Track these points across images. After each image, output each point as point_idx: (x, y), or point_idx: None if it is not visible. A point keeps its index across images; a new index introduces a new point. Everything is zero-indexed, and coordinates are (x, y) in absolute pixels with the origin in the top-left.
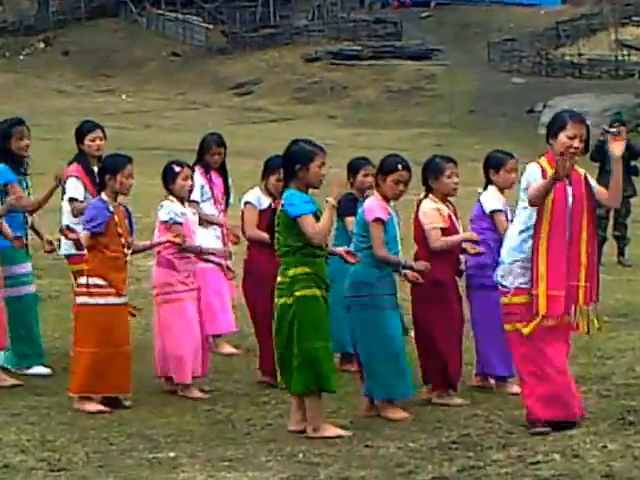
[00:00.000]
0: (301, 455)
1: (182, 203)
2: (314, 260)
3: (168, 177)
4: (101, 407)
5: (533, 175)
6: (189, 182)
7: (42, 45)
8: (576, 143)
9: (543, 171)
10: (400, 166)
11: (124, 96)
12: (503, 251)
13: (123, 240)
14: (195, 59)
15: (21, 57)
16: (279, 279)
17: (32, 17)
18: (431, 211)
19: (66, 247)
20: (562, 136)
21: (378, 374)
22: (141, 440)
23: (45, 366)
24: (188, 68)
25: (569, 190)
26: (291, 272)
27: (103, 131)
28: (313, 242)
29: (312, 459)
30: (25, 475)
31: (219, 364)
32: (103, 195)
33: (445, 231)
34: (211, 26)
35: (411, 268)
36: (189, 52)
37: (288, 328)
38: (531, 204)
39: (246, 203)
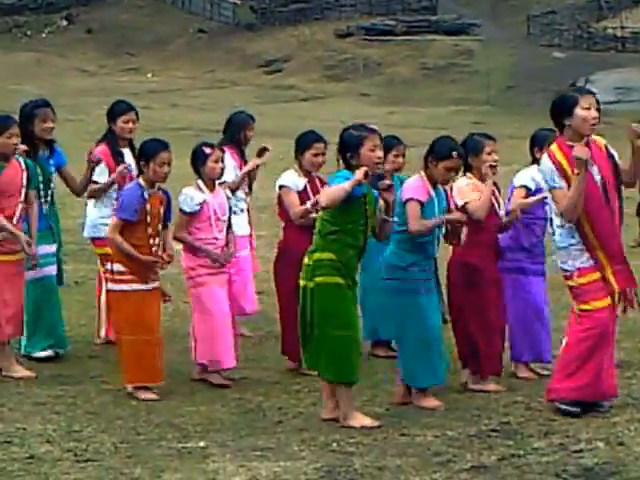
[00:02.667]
0: (335, 444)
1: (212, 186)
2: (343, 249)
3: (198, 159)
4: (152, 395)
5: (549, 177)
6: (220, 165)
7: (64, 23)
8: (593, 113)
9: (556, 164)
10: (455, 153)
11: (149, 75)
12: (557, 237)
13: (150, 230)
14: (222, 36)
15: (43, 35)
16: (305, 260)
17: None
18: (465, 187)
19: (90, 230)
20: (578, 110)
21: (411, 360)
22: (170, 429)
23: (56, 350)
24: (215, 45)
25: (594, 169)
26: (316, 255)
27: (137, 114)
28: (319, 200)
29: (346, 448)
30: (51, 466)
31: (249, 351)
32: (140, 180)
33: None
34: (239, 1)
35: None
36: (216, 29)
37: (309, 313)
38: (569, 218)
39: (281, 187)
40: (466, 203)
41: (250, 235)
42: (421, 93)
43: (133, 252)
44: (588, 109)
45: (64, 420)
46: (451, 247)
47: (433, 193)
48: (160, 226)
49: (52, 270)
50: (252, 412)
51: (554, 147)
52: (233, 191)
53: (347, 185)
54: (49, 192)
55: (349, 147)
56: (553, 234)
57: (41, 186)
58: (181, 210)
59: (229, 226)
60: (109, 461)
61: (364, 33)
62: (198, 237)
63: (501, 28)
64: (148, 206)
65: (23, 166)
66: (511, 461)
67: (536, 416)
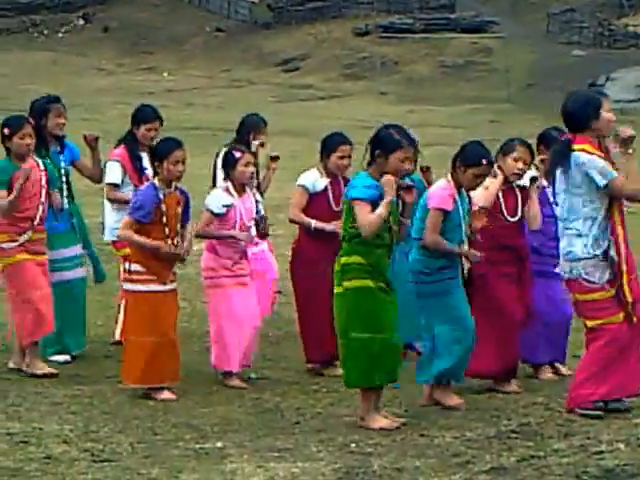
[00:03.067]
0: (353, 445)
1: (242, 190)
2: (370, 250)
3: (228, 163)
4: (170, 395)
5: (604, 170)
6: (250, 168)
7: (81, 22)
8: (612, 115)
9: (598, 157)
10: (485, 161)
11: (166, 74)
12: (576, 248)
13: (167, 230)
14: (239, 34)
15: (60, 34)
16: (335, 266)
17: None
18: (479, 190)
19: (109, 234)
20: (604, 112)
21: (444, 357)
22: (187, 430)
23: (73, 353)
24: (232, 44)
25: None
26: (343, 260)
27: (161, 122)
28: (362, 233)
29: (365, 449)
30: (68, 466)
31: (266, 351)
32: (155, 180)
33: (490, 211)
34: (256, 0)
35: (466, 257)
36: (233, 27)
37: (339, 319)
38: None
39: (298, 185)
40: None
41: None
42: (439, 91)
43: (147, 241)
44: (609, 111)
45: (81, 420)
46: None
47: (458, 198)
48: (178, 226)
49: (78, 273)
50: (270, 412)
51: (587, 147)
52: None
53: (383, 212)
54: (65, 188)
55: (382, 147)
56: (569, 244)
57: (61, 185)
58: (208, 209)
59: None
60: (126, 461)
61: (382, 31)
62: (227, 240)
63: (520, 26)
64: (164, 207)
65: (42, 167)
66: (531, 462)
67: (556, 417)
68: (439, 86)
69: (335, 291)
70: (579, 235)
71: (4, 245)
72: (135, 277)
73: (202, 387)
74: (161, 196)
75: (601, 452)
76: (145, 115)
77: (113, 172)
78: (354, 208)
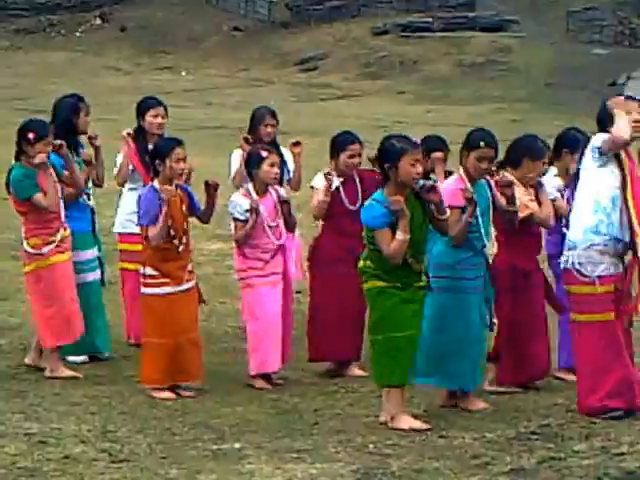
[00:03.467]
0: (372, 446)
1: (264, 190)
2: (380, 256)
3: (252, 162)
4: (168, 394)
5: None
6: (275, 169)
7: (98, 21)
8: (635, 116)
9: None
10: (483, 143)
11: (184, 73)
12: (575, 234)
13: (172, 232)
14: (258, 34)
15: (77, 34)
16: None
17: None
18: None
19: (119, 225)
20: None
21: (448, 361)
22: (205, 430)
23: (95, 354)
24: (250, 43)
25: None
26: (360, 264)
27: (166, 109)
28: (390, 261)
29: (384, 450)
30: (86, 466)
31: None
32: (155, 183)
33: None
34: None
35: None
36: (251, 26)
37: (370, 316)
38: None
39: (311, 187)
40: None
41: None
42: (459, 91)
43: (162, 221)
44: (629, 113)
45: (99, 420)
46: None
47: (470, 188)
48: (185, 225)
49: (95, 275)
50: (288, 413)
51: None
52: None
53: (403, 236)
54: (89, 187)
55: (389, 158)
56: (568, 228)
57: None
58: (234, 218)
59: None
60: (144, 462)
61: (401, 30)
62: (251, 242)
63: (540, 24)
64: (165, 208)
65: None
66: (551, 464)
67: (577, 418)
68: (458, 85)
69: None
70: (580, 221)
71: (43, 249)
72: (150, 281)
73: (221, 387)
74: (163, 197)
75: (622, 454)
76: (147, 103)
77: (119, 162)
78: (376, 237)
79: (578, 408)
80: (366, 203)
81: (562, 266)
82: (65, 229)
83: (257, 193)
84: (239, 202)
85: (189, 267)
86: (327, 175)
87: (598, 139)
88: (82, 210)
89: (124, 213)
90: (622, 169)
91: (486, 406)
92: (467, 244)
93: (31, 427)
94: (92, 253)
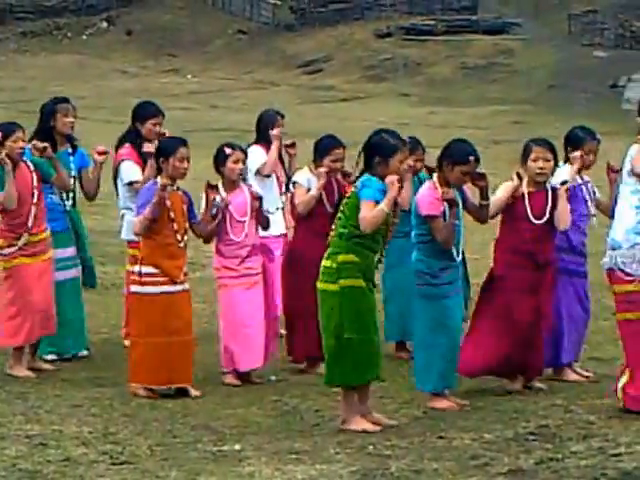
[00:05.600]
0: (371, 447)
1: (232, 187)
2: (365, 252)
3: (219, 160)
4: (149, 393)
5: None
6: (239, 165)
7: (105, 25)
8: None
9: None
10: (472, 158)
11: (189, 76)
12: (617, 234)
13: (176, 226)
14: (262, 36)
15: (84, 37)
16: (326, 263)
17: None
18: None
19: (127, 232)
20: None
21: (427, 363)
22: (206, 432)
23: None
24: (255, 46)
25: None
26: (340, 258)
27: (163, 116)
28: (360, 227)
29: (383, 451)
30: (86, 468)
31: (285, 353)
32: (159, 179)
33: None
34: (279, 2)
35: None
36: (256, 29)
37: (337, 316)
38: None
39: (294, 183)
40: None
41: (285, 235)
42: (461, 93)
43: (151, 209)
44: None
45: (100, 422)
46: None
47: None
48: (186, 224)
49: (69, 274)
50: (288, 414)
51: None
52: (267, 176)
53: (385, 206)
54: (70, 191)
55: (380, 152)
56: (609, 234)
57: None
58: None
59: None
60: (145, 464)
61: (404, 33)
62: (220, 238)
63: (542, 27)
64: (169, 202)
65: (32, 167)
66: (549, 465)
67: (575, 419)
68: (461, 87)
69: (327, 288)
70: (621, 222)
71: (4, 251)
72: (146, 279)
73: (221, 389)
74: (165, 192)
75: (619, 454)
76: (149, 111)
77: (132, 171)
78: (361, 205)
79: (626, 404)
80: (364, 178)
81: (606, 266)
82: (35, 234)
83: (225, 190)
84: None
85: (184, 269)
86: (319, 174)
87: (637, 161)
88: (57, 209)
89: (130, 221)
90: None
91: (453, 405)
92: (443, 253)
93: (32, 429)
94: (67, 252)
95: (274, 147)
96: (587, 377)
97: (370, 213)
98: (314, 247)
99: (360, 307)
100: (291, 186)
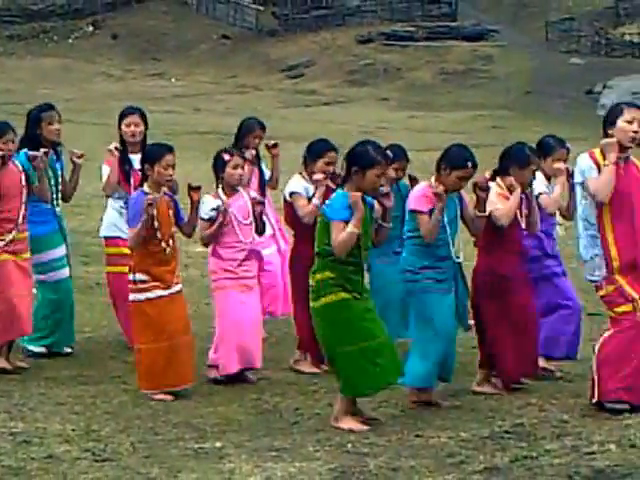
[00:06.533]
0: (350, 445)
1: (233, 192)
2: (341, 267)
3: (218, 166)
4: (165, 396)
5: (583, 169)
6: (239, 170)
7: (91, 29)
8: (635, 127)
9: (596, 163)
10: (470, 163)
11: (174, 80)
12: (581, 250)
13: (160, 235)
14: (246, 41)
15: (70, 41)
16: (310, 281)
17: (81, 0)
18: (495, 197)
19: (105, 229)
20: (620, 122)
21: (418, 358)
22: (187, 430)
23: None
24: (238, 51)
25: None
26: (318, 276)
27: (143, 116)
28: (334, 252)
29: (361, 449)
30: (69, 465)
31: (266, 352)
32: (145, 187)
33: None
34: (262, 8)
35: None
36: (239, 34)
37: (321, 335)
38: (598, 200)
39: (292, 194)
40: (492, 211)
41: (273, 235)
42: (441, 98)
43: (141, 226)
44: (630, 122)
45: (83, 420)
46: (477, 253)
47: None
48: (172, 229)
49: (65, 273)
50: (269, 413)
51: (596, 150)
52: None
53: (354, 229)
54: (59, 194)
55: (359, 163)
56: (577, 248)
57: (53, 189)
58: (200, 218)
59: None
60: (127, 461)
61: (385, 39)
62: (224, 241)
63: (520, 34)
64: (155, 211)
65: (20, 168)
66: (524, 463)
67: (549, 418)
68: (440, 93)
69: (313, 305)
70: (580, 236)
71: None
72: (141, 286)
73: (203, 387)
74: (153, 209)
75: (592, 453)
76: (123, 112)
77: (104, 173)
78: (331, 227)
79: (591, 397)
80: (333, 195)
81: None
82: (21, 232)
83: (226, 194)
84: (206, 202)
85: (177, 272)
86: (317, 181)
87: (578, 175)
88: (46, 214)
89: (109, 218)
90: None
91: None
92: (427, 252)
93: (16, 426)
94: (60, 251)
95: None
96: (551, 372)
97: (339, 237)
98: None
99: (349, 318)
100: (287, 197)
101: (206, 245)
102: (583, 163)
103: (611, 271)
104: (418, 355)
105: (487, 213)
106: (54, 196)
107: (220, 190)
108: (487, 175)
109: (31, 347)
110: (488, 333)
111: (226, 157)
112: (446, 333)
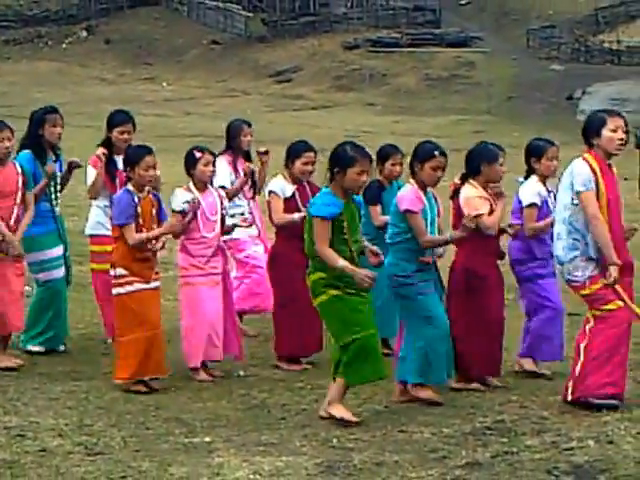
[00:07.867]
0: (335, 440)
1: (203, 188)
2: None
3: (189, 163)
4: (141, 387)
5: (585, 178)
6: (210, 168)
7: (85, 34)
8: (620, 134)
9: (592, 171)
10: (437, 152)
11: (165, 84)
12: (558, 251)
13: (145, 232)
14: (235, 47)
15: (64, 46)
16: (308, 281)
17: (75, 6)
18: (474, 199)
19: (90, 227)
20: (605, 132)
21: (416, 356)
22: (177, 425)
23: (51, 347)
24: (228, 56)
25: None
26: (312, 277)
27: (134, 123)
28: (316, 247)
29: (346, 444)
30: (62, 459)
31: (255, 350)
32: (129, 186)
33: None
34: (251, 14)
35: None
36: (229, 40)
37: (327, 327)
38: (594, 222)
39: (270, 192)
40: (479, 216)
41: (259, 235)
42: (425, 103)
43: (145, 236)
44: (615, 131)
45: (76, 415)
46: (455, 252)
47: (425, 199)
48: (155, 227)
49: (60, 272)
50: (257, 408)
51: (589, 156)
52: (230, 199)
53: (344, 265)
54: (59, 194)
55: (339, 164)
56: (555, 250)
57: (52, 189)
58: (172, 210)
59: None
60: (118, 455)
61: (370, 45)
62: (188, 236)
63: (502, 41)
64: (139, 209)
65: (19, 170)
66: (504, 458)
67: (529, 415)
68: (424, 98)
69: (314, 303)
70: (560, 239)
71: None
72: (122, 280)
73: (192, 383)
74: (136, 200)
75: (571, 449)
76: (117, 119)
77: (89, 176)
78: (313, 224)
79: (571, 393)
80: (319, 193)
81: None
82: (13, 232)
83: (197, 189)
84: (178, 194)
85: (156, 268)
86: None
87: (567, 178)
88: (45, 214)
89: (94, 217)
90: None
91: (435, 396)
92: (419, 254)
93: (10, 421)
94: (58, 251)
95: (238, 183)
96: (542, 375)
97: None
98: (293, 250)
99: (343, 312)
100: (267, 194)
101: (175, 237)
102: (584, 172)
103: (601, 271)
104: (424, 355)
105: (474, 225)
106: (53, 197)
107: (191, 184)
108: (457, 180)
109: (29, 347)
110: (455, 331)
111: (197, 154)
112: (446, 328)
